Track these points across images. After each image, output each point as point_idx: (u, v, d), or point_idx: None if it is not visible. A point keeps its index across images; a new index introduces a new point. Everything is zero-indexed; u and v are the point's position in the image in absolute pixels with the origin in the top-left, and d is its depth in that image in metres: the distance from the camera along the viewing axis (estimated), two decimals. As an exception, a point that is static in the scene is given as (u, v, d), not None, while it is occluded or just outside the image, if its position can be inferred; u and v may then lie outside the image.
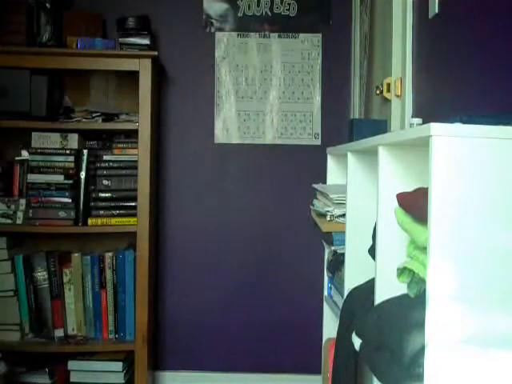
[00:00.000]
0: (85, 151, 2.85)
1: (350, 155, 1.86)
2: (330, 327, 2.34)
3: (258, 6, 3.15)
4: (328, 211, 2.06)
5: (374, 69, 2.69)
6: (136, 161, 2.80)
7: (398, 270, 1.26)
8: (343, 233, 1.92)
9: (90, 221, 2.81)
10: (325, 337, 2.41)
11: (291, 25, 3.15)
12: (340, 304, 1.91)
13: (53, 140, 2.86)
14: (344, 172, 2.00)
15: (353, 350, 1.47)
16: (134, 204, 2.80)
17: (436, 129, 1.02)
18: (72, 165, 2.82)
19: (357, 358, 1.65)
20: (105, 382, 2.78)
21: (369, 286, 1.57)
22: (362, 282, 1.75)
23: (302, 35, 3.16)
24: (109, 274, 2.87)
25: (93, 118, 2.87)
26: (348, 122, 2.29)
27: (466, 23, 1.64)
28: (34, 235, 2.95)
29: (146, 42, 2.83)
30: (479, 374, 1.04)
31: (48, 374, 2.79)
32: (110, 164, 2.87)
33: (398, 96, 2.24)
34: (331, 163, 2.45)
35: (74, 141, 2.87)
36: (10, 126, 2.81)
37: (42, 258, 2.84)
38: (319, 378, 2.57)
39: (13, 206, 2.80)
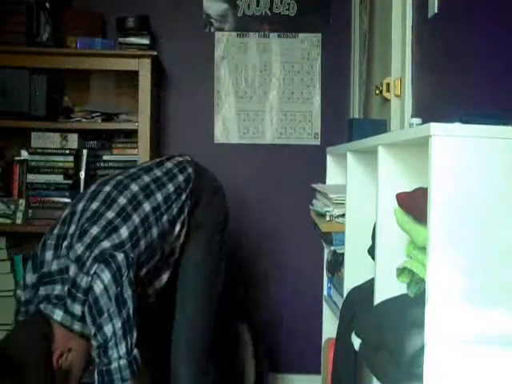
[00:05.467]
0: (84, 151, 2.85)
1: (349, 155, 1.86)
2: (329, 327, 2.34)
3: (257, 5, 3.15)
4: (327, 211, 2.06)
5: (373, 68, 2.69)
6: (136, 161, 2.79)
7: (397, 270, 1.26)
8: (343, 233, 1.92)
9: (89, 221, 2.81)
10: (324, 337, 2.41)
11: (291, 25, 3.15)
12: (340, 304, 1.91)
13: (52, 140, 2.85)
14: (343, 172, 2.00)
15: (352, 349, 1.47)
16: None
17: (435, 129, 1.02)
18: (71, 165, 2.82)
19: (356, 358, 1.65)
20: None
21: (368, 286, 1.57)
22: (361, 282, 1.75)
23: (301, 35, 3.16)
24: (108, 273, 2.86)
25: (92, 117, 2.86)
26: (347, 122, 2.28)
27: (466, 23, 1.64)
28: (33, 235, 2.94)
29: (146, 41, 2.83)
30: (478, 374, 1.04)
31: (47, 374, 2.79)
32: (110, 164, 2.87)
33: (397, 96, 2.24)
34: (331, 163, 2.45)
35: (73, 141, 2.87)
36: (10, 126, 2.80)
37: (41, 258, 2.84)
38: (319, 378, 2.57)
39: (12, 206, 2.80)
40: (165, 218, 1.95)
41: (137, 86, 2.77)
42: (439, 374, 1.03)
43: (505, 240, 1.04)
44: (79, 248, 1.75)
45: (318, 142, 3.16)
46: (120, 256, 1.75)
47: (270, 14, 3.15)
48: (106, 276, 1.71)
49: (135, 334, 1.75)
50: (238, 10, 3.15)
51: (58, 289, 1.74)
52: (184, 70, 3.15)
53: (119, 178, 1.97)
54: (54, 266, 1.77)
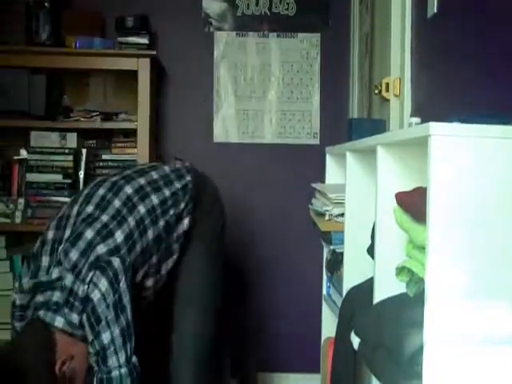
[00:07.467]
0: (84, 150, 2.85)
1: (348, 155, 1.86)
2: (328, 326, 2.34)
3: (256, 5, 3.15)
4: (327, 210, 2.06)
5: (373, 68, 2.69)
6: (135, 160, 2.79)
7: (396, 269, 1.26)
8: (342, 232, 1.92)
9: (88, 220, 2.81)
10: (324, 336, 2.41)
11: (290, 24, 3.15)
12: (339, 303, 1.91)
13: (51, 139, 2.85)
14: (343, 171, 2.00)
15: (352, 349, 1.47)
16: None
17: (435, 128, 1.02)
18: (71, 164, 2.82)
19: (355, 357, 1.65)
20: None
21: (367, 286, 1.57)
22: (360, 281, 1.75)
23: (300, 35, 3.16)
24: (108, 273, 2.86)
25: (92, 117, 2.87)
26: (347, 122, 2.29)
27: (465, 22, 1.64)
28: (32, 234, 2.93)
29: (145, 41, 2.84)
30: (477, 373, 1.04)
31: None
32: (109, 163, 2.87)
33: (396, 95, 2.24)
34: (330, 163, 2.45)
35: (72, 140, 2.87)
36: (9, 126, 2.80)
37: (40, 258, 2.83)
38: (318, 377, 2.58)
39: (11, 206, 2.80)
40: (161, 222, 1.89)
41: (136, 86, 2.77)
42: (438, 373, 1.03)
43: (504, 239, 1.04)
44: (74, 255, 1.69)
45: (317, 142, 3.16)
46: (116, 262, 1.69)
47: (269, 13, 3.15)
48: (103, 284, 1.66)
49: (133, 342, 1.70)
50: (237, 10, 3.15)
51: (56, 295, 1.70)
52: (183, 69, 3.15)
53: (113, 179, 1.92)
54: (51, 274, 1.72)
